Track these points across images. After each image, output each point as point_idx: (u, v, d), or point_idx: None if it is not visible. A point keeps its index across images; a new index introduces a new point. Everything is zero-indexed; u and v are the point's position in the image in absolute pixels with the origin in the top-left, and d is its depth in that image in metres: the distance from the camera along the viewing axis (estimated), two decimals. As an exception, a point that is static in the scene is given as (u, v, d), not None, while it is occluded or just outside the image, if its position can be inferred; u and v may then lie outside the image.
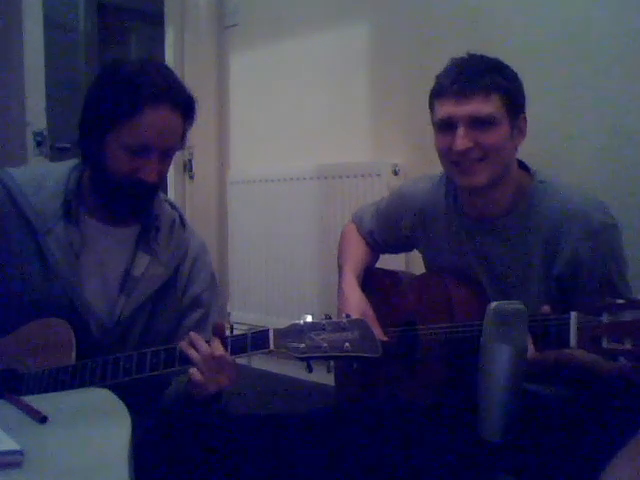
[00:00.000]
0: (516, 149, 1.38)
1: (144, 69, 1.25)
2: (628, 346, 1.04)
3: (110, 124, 1.23)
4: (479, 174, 1.32)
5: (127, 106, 1.21)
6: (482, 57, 1.35)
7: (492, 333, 1.11)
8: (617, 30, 1.97)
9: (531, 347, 1.17)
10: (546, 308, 1.21)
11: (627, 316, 1.05)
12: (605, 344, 1.07)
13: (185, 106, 1.27)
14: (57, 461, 0.79)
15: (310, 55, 2.81)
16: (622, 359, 1.06)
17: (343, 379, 1.67)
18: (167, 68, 1.31)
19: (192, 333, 1.20)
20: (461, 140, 1.30)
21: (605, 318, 1.08)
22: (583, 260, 1.30)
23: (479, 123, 1.30)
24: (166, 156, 1.28)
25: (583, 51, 2.03)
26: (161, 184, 1.34)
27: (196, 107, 1.30)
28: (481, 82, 1.29)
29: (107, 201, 1.31)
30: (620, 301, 1.08)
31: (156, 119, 1.22)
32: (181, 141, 1.31)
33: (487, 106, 1.29)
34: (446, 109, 1.32)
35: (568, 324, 1.13)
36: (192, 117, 1.31)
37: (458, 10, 2.30)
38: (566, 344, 1.13)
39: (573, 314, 1.13)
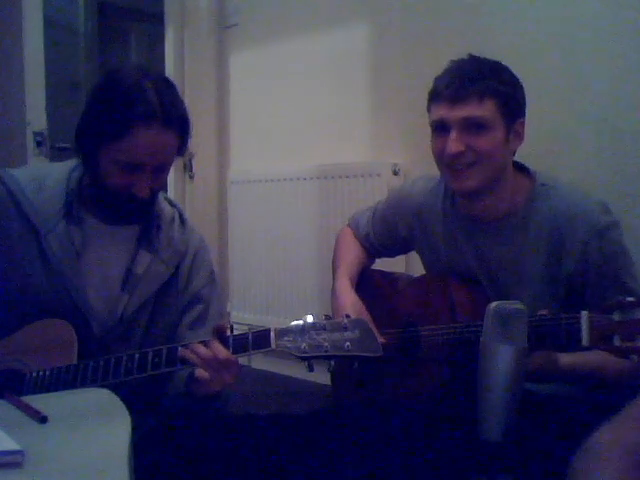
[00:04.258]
0: (513, 153, 1.38)
1: (140, 84, 1.22)
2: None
3: (103, 139, 1.23)
4: (470, 179, 1.33)
5: (118, 124, 1.20)
6: (480, 60, 1.35)
7: (492, 333, 1.10)
8: (617, 29, 1.97)
9: None
10: (543, 312, 1.22)
11: (638, 314, 1.06)
12: (617, 342, 1.07)
13: (179, 124, 1.26)
14: (57, 461, 0.79)
15: (310, 55, 2.80)
16: (634, 357, 1.07)
17: (340, 382, 1.67)
18: (165, 82, 1.29)
19: (193, 340, 1.20)
20: (453, 143, 1.30)
21: (616, 316, 1.09)
22: (591, 259, 1.30)
23: (472, 127, 1.30)
24: (160, 172, 1.28)
25: (582, 51, 2.03)
26: (157, 196, 1.34)
27: (190, 124, 1.29)
28: (475, 87, 1.29)
29: (105, 206, 1.32)
30: (631, 299, 1.09)
31: (146, 138, 1.21)
32: (178, 154, 1.30)
33: (480, 110, 1.29)
34: (440, 112, 1.33)
35: (579, 323, 1.13)
36: (187, 133, 1.29)
37: (458, 11, 2.30)
38: (577, 344, 1.14)
39: (584, 313, 1.14)
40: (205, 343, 1.17)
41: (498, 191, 1.37)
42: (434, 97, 1.36)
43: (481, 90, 1.29)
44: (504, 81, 1.33)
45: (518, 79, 1.36)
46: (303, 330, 1.13)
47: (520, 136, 1.37)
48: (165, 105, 1.23)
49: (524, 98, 1.37)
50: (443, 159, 1.35)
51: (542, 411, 1.24)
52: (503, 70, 1.35)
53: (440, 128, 1.34)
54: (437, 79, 1.36)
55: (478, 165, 1.32)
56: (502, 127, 1.32)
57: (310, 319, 1.14)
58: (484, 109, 1.29)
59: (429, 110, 1.38)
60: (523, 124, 1.37)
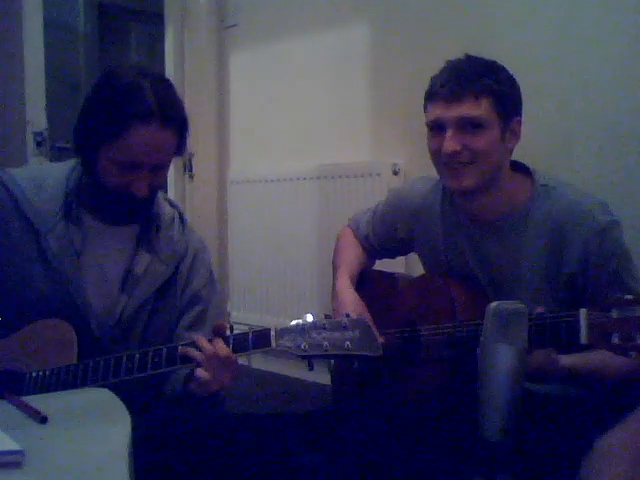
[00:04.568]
0: (510, 152, 1.38)
1: (137, 84, 1.22)
2: (639, 341, 1.05)
3: (101, 138, 1.23)
4: (467, 177, 1.33)
5: (115, 123, 1.20)
6: (477, 59, 1.36)
7: (492, 333, 1.10)
8: (617, 29, 1.97)
9: None
10: (540, 310, 1.22)
11: (637, 311, 1.06)
12: (615, 340, 1.08)
13: (176, 123, 1.26)
14: (57, 461, 0.79)
15: (310, 55, 2.80)
16: (633, 354, 1.07)
17: (340, 381, 1.67)
18: (163, 81, 1.29)
19: (195, 336, 1.20)
20: (449, 143, 1.31)
21: (615, 314, 1.09)
22: (592, 258, 1.30)
23: (468, 126, 1.31)
24: (158, 170, 1.28)
25: (582, 51, 2.03)
26: (155, 195, 1.34)
27: (188, 123, 1.29)
28: (471, 86, 1.30)
29: (104, 205, 1.32)
30: (629, 297, 1.09)
31: (144, 137, 1.21)
32: (176, 153, 1.30)
33: (476, 109, 1.30)
34: (436, 112, 1.33)
35: (578, 321, 1.14)
36: (185, 132, 1.29)
37: (457, 11, 2.30)
38: (576, 342, 1.14)
39: (583, 311, 1.14)
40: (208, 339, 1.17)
41: (495, 190, 1.37)
42: (430, 97, 1.36)
43: (477, 89, 1.30)
44: (500, 80, 1.33)
45: (514, 78, 1.36)
46: (303, 329, 1.13)
47: (517, 135, 1.37)
48: (163, 104, 1.23)
49: (520, 97, 1.37)
50: (440, 158, 1.36)
51: (542, 411, 1.24)
52: (499, 69, 1.35)
53: (436, 127, 1.35)
54: (433, 79, 1.37)
55: (474, 164, 1.32)
56: (498, 126, 1.32)
57: (310, 318, 1.14)
58: (480, 108, 1.30)
59: (425, 110, 1.38)
60: (519, 123, 1.37)
